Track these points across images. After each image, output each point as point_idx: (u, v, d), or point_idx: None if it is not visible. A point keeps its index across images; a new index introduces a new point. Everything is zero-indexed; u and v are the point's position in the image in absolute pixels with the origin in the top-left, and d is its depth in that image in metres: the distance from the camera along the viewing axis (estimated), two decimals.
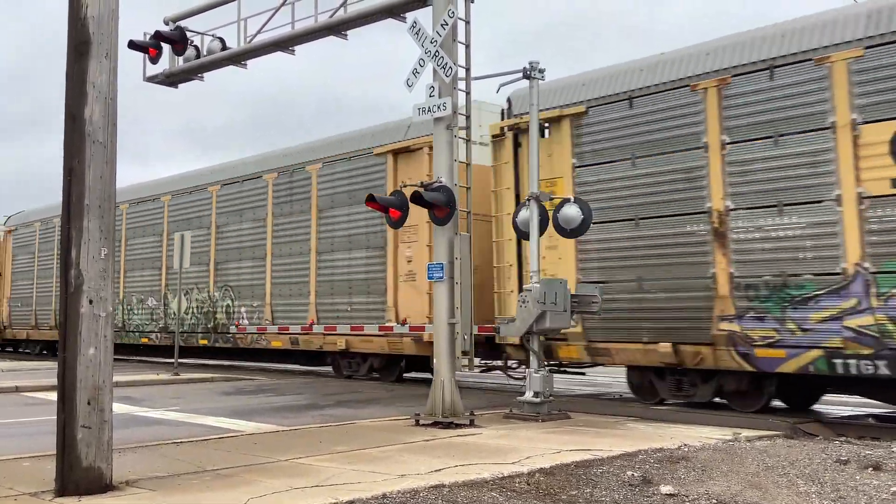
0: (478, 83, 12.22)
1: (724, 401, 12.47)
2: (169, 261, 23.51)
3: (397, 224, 12.01)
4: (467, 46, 11.69)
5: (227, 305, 21.83)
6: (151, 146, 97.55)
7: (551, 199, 12.51)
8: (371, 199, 11.77)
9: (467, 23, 11.70)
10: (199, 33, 15.54)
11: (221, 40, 15.26)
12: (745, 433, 10.06)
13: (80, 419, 6.60)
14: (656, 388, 13.14)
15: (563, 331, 12.70)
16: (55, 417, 6.77)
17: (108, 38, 6.93)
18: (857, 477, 7.27)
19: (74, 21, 6.90)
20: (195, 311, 22.88)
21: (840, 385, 12.11)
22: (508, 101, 14.83)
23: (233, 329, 21.42)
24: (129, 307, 25.49)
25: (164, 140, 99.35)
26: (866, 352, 10.43)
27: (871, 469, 7.58)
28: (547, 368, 12.12)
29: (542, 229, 12.30)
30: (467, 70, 11.68)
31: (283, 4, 14.33)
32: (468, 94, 11.72)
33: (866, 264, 10.57)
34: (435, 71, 11.45)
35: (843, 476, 7.30)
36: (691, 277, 12.20)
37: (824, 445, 9.11)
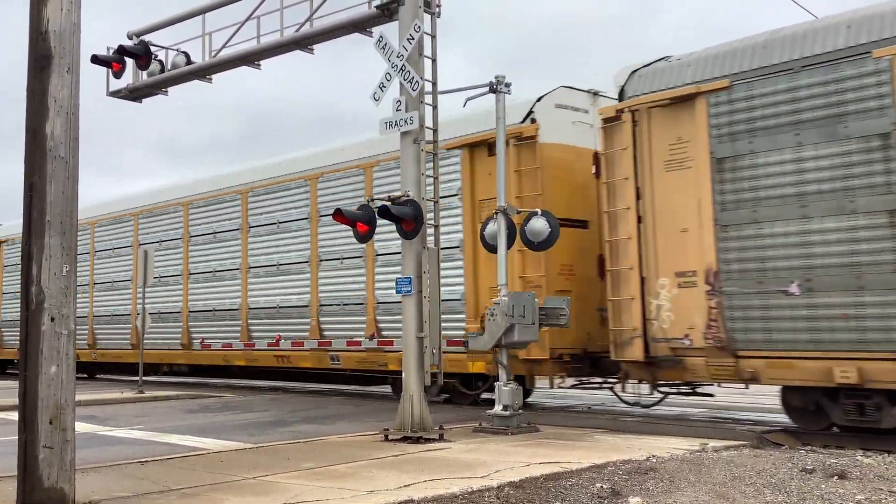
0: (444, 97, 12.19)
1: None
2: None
3: (365, 238, 11.97)
4: (434, 61, 11.72)
5: None
6: (126, 160, 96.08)
7: (518, 212, 12.56)
8: (338, 214, 11.73)
9: (433, 37, 11.73)
10: (163, 48, 15.42)
11: (186, 55, 15.16)
12: (712, 443, 10.13)
13: (41, 439, 6.48)
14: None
15: None
16: (16, 437, 6.64)
17: (70, 52, 6.85)
18: (823, 486, 7.34)
19: (35, 35, 6.81)
20: None
21: None
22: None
23: None
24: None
25: (140, 154, 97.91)
26: None
27: (836, 478, 7.67)
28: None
29: (510, 242, 12.34)
30: (434, 84, 11.71)
31: (248, 19, 14.28)
32: (435, 107, 11.74)
33: None
34: (401, 85, 11.46)
35: (808, 485, 7.37)
36: None
37: (790, 455, 9.20)
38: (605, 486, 7.37)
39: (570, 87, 15.56)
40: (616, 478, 7.83)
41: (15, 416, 6.86)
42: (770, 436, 10.89)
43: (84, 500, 6.87)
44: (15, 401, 6.94)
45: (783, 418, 12.79)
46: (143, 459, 9.45)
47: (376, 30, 12.38)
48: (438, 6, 11.86)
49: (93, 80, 14.52)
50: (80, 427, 8.26)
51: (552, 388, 15.01)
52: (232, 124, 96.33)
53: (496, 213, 12.36)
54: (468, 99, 12.77)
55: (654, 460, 8.85)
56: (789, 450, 9.79)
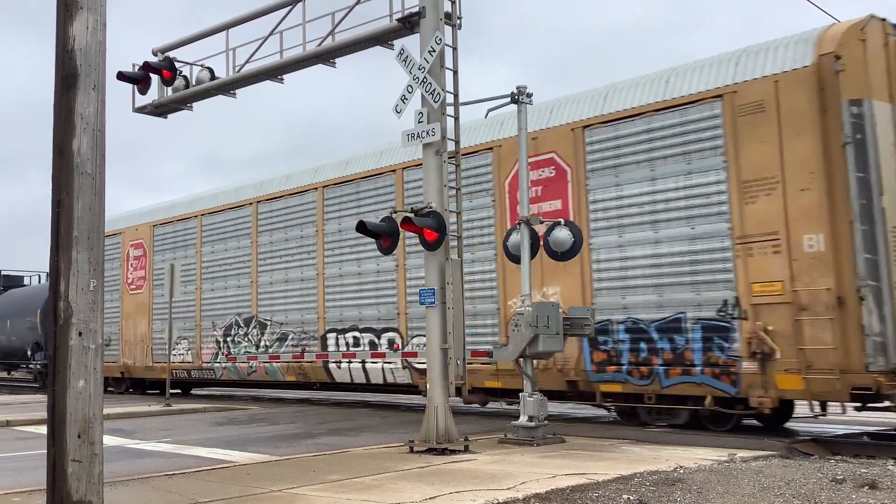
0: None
1: None
2: None
3: (388, 251, 12.00)
4: (455, 72, 11.76)
5: None
6: (165, 174, 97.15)
7: (541, 222, 12.55)
8: (361, 227, 11.77)
9: (455, 49, 11.78)
10: (187, 63, 15.62)
11: (210, 70, 15.33)
12: (741, 454, 10.03)
13: (70, 453, 6.53)
14: None
15: None
16: (45, 451, 6.70)
17: (96, 69, 6.93)
18: (853, 496, 7.24)
19: (61, 53, 6.90)
20: None
21: None
22: None
23: None
24: None
25: (180, 166, 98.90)
26: None
27: (866, 488, 7.56)
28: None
29: (534, 253, 12.32)
30: (455, 96, 11.75)
31: (271, 34, 14.41)
32: (457, 119, 11.77)
33: None
34: (423, 97, 11.51)
35: (839, 495, 7.27)
36: None
37: (820, 464, 9.09)
38: (632, 498, 7.31)
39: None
40: (643, 489, 7.77)
41: (44, 429, 6.93)
42: (799, 445, 10.76)
43: None
44: (44, 415, 7.01)
45: (813, 427, 12.65)
46: (171, 472, 9.51)
47: (398, 42, 12.45)
48: (459, 18, 11.91)
49: (119, 96, 14.79)
50: (109, 440, 8.36)
51: None
52: (271, 137, 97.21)
53: (519, 224, 12.34)
54: (490, 110, 12.79)
55: (682, 471, 8.77)
56: (819, 460, 9.67)
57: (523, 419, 11.68)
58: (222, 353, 21.60)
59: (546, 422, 11.78)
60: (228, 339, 21.50)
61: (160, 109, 16.06)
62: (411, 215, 11.28)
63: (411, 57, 11.62)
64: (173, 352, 22.75)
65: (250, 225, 21.17)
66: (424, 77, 11.41)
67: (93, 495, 6.60)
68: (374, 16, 12.84)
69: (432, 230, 11.21)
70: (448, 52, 11.69)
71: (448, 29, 11.73)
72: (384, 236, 11.75)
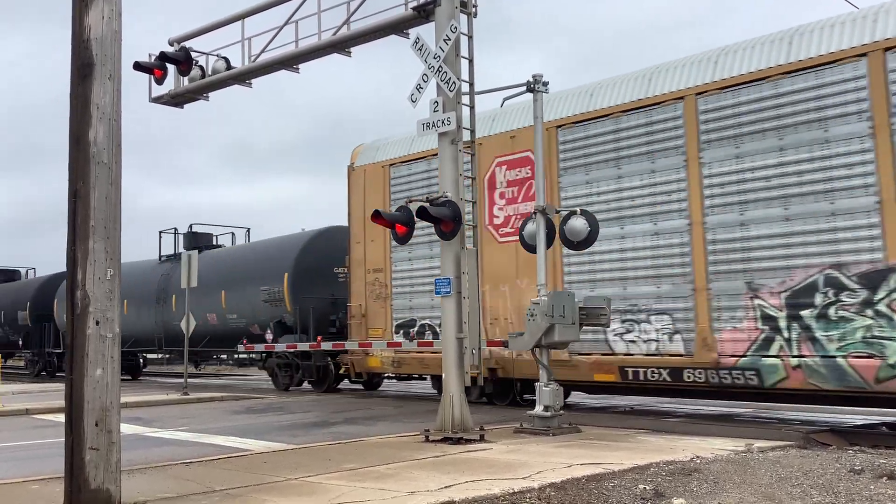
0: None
1: None
2: None
3: (403, 240, 11.98)
4: (470, 61, 11.71)
5: None
6: (189, 166, 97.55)
7: (557, 211, 12.50)
8: (377, 215, 11.77)
9: (470, 38, 11.72)
10: (203, 53, 15.63)
11: (226, 60, 15.34)
12: (758, 444, 9.98)
13: (87, 441, 6.58)
14: None
15: None
16: (63, 440, 6.76)
17: (112, 59, 6.95)
18: (872, 487, 7.19)
19: (77, 43, 6.92)
20: None
21: None
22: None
23: None
24: None
25: (202, 157, 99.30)
26: None
27: (885, 478, 7.51)
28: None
29: (549, 242, 12.28)
30: (471, 84, 11.70)
31: (286, 23, 14.40)
32: (472, 108, 11.73)
33: None
34: (438, 86, 11.47)
35: (857, 486, 7.22)
36: None
37: (838, 455, 9.03)
38: (648, 488, 7.29)
39: None
40: (659, 479, 7.74)
41: (62, 418, 6.98)
42: (817, 435, 10.69)
43: (130, 501, 6.96)
44: (62, 403, 7.06)
45: (831, 417, 12.57)
46: (188, 460, 9.56)
47: (413, 31, 12.40)
48: (475, 6, 11.86)
49: (136, 87, 14.82)
50: (126, 429, 8.42)
51: None
52: (287, 131, 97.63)
53: (535, 213, 12.30)
54: (505, 99, 12.74)
55: (698, 461, 8.74)
56: (837, 450, 9.61)
57: (539, 409, 11.67)
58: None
59: (562, 411, 11.77)
60: None
61: (177, 99, 16.09)
62: (427, 204, 11.25)
63: (426, 46, 11.58)
64: (654, 340, 13.26)
65: None
66: (440, 66, 11.37)
67: (110, 483, 6.66)
68: (389, 4, 12.82)
69: (448, 220, 11.18)
70: (463, 41, 11.64)
71: (463, 17, 11.68)
72: (399, 224, 11.72)
